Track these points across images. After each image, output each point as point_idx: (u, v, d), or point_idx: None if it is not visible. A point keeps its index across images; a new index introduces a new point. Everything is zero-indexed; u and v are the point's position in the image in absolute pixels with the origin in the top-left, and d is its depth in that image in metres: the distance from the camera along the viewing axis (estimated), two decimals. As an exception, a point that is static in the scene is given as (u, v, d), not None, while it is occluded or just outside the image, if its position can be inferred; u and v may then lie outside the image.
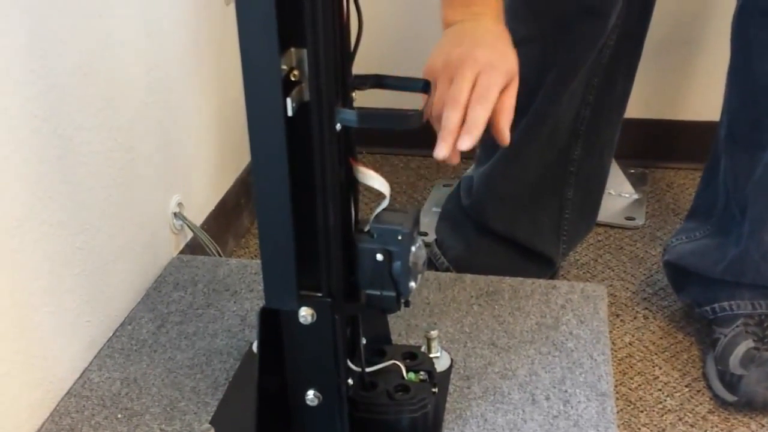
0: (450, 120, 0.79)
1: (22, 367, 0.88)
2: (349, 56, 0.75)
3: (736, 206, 1.16)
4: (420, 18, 1.68)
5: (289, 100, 0.68)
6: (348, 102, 0.76)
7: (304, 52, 0.69)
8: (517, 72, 0.85)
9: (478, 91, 0.80)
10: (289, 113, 0.68)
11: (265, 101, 0.68)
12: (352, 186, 0.80)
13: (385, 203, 0.79)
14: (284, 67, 0.67)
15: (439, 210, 1.46)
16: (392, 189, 1.60)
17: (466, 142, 0.79)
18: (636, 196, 1.61)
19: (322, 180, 0.74)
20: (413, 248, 0.80)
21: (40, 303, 0.90)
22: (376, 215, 0.79)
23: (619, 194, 1.61)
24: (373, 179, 0.78)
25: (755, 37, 1.08)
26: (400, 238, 0.78)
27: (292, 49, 0.69)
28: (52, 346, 0.93)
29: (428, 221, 1.51)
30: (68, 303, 0.95)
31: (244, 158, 1.49)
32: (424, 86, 0.76)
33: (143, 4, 1.08)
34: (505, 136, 0.84)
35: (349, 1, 0.74)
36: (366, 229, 0.79)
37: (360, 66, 0.77)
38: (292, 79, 0.69)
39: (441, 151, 0.80)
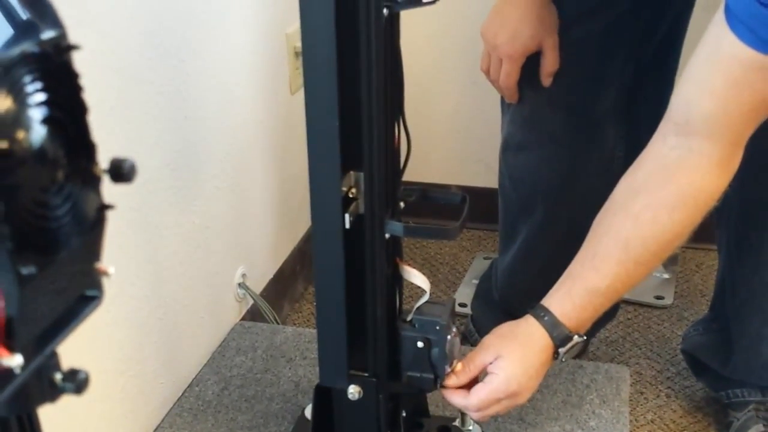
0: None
1: (107, 427, 1.02)
2: (398, 174, 0.89)
3: (735, 317, 1.22)
4: (462, 135, 1.85)
5: (347, 216, 0.81)
6: (396, 211, 0.89)
7: (361, 174, 0.82)
8: (521, 47, 1.13)
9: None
10: (347, 226, 0.82)
11: (327, 215, 0.82)
12: (397, 281, 0.93)
13: (425, 297, 0.92)
14: (344, 188, 0.81)
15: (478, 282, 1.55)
16: (435, 260, 1.77)
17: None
18: (666, 276, 1.67)
19: (372, 279, 0.86)
20: (449, 337, 0.92)
21: (126, 368, 1.04)
22: (418, 307, 0.92)
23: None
24: (416, 277, 0.91)
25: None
26: (438, 328, 0.91)
27: (351, 173, 0.82)
28: (132, 406, 1.07)
29: (468, 292, 1.61)
30: (147, 367, 1.09)
31: (301, 229, 1.63)
32: (461, 200, 0.89)
33: (221, 104, 1.23)
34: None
35: (400, 128, 0.87)
36: (408, 319, 0.92)
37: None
38: (350, 196, 0.83)
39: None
